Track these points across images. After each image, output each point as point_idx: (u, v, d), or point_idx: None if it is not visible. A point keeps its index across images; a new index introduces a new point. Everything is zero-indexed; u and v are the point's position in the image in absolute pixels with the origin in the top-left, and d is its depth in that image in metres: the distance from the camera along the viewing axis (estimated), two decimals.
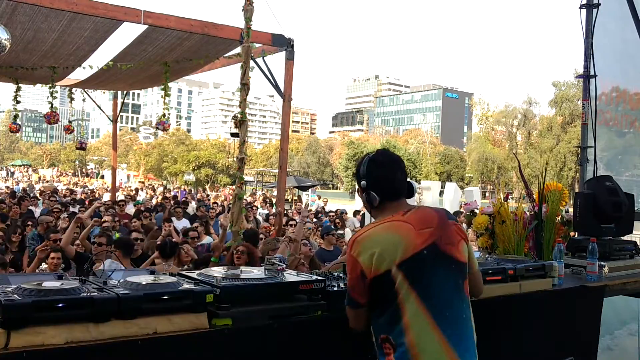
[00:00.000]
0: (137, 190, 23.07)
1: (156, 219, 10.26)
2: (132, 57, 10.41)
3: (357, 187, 2.34)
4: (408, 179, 2.32)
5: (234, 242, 5.92)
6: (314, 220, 12.00)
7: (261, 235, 7.11)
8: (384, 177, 2.22)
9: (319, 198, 24.36)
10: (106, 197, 18.83)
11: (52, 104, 12.40)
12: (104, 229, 7.23)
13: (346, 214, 13.78)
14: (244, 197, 7.15)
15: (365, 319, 2.20)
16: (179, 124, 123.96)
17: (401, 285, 2.05)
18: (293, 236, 5.99)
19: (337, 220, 11.64)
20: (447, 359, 2.03)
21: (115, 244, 5.76)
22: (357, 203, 16.63)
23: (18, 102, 12.61)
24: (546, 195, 3.96)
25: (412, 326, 2.03)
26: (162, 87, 11.79)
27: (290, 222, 9.17)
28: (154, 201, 17.81)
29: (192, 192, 27.72)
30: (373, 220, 2.25)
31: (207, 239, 7.65)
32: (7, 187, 22.85)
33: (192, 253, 6.07)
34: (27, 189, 22.36)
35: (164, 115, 12.14)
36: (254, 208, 13.48)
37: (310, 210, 10.09)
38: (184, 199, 18.38)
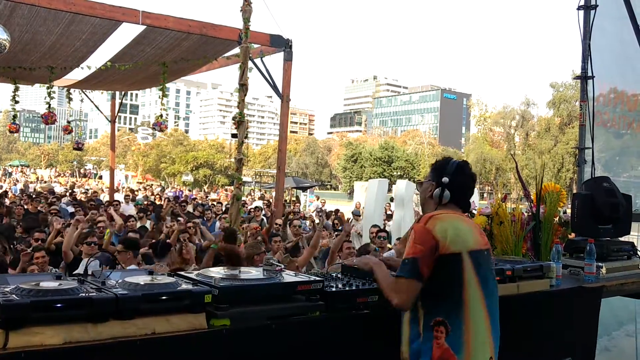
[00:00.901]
0: (132, 190, 23.02)
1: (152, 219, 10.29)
2: (131, 57, 10.41)
3: (424, 184, 2.50)
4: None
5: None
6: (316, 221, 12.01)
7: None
8: (464, 183, 2.44)
9: (317, 199, 24.34)
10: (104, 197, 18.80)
11: (49, 105, 12.38)
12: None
13: (344, 216, 13.78)
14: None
15: (416, 297, 2.24)
16: (177, 125, 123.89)
17: (468, 272, 2.20)
18: (313, 242, 6.05)
19: (336, 221, 11.64)
20: (488, 354, 2.22)
21: (123, 244, 5.71)
22: (355, 204, 16.61)
23: (16, 102, 12.60)
24: (544, 196, 3.97)
25: (471, 314, 2.18)
26: (160, 87, 11.79)
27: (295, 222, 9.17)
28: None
29: (189, 193, 27.54)
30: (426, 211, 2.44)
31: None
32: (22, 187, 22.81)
33: (192, 253, 6.05)
34: (24, 188, 22.33)
35: (161, 115, 12.14)
36: (258, 210, 13.37)
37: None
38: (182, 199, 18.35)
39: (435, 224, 2.25)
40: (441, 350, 2.14)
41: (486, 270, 2.31)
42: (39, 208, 10.86)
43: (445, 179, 2.39)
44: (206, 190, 36.24)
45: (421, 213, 2.52)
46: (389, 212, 13.94)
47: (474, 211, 4.25)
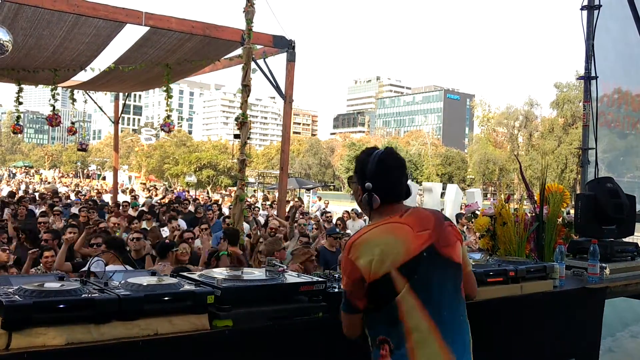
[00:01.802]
0: (132, 191, 23.05)
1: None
2: (134, 60, 10.43)
3: (353, 184, 2.25)
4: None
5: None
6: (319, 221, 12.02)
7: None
8: (392, 181, 2.15)
9: (320, 199, 24.35)
10: (107, 198, 18.87)
11: (54, 107, 12.42)
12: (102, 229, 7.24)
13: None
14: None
15: (361, 325, 2.15)
16: (181, 126, 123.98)
17: (401, 288, 2.01)
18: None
19: (338, 222, 11.64)
20: (444, 358, 2.01)
21: (107, 244, 5.70)
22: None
23: (20, 103, 12.63)
24: (547, 197, 3.96)
25: (412, 329, 2.01)
26: (164, 88, 11.81)
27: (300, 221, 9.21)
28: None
29: (192, 195, 27.55)
30: (370, 222, 2.20)
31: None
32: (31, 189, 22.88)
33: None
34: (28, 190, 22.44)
35: (168, 116, 12.16)
36: (256, 209, 13.46)
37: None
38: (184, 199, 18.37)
39: (356, 254, 2.04)
40: None
41: (430, 275, 2.05)
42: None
43: (368, 185, 2.12)
44: (210, 191, 36.27)
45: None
46: None
47: (477, 212, 4.25)
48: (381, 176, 2.13)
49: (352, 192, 2.32)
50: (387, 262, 2.01)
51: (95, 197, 18.22)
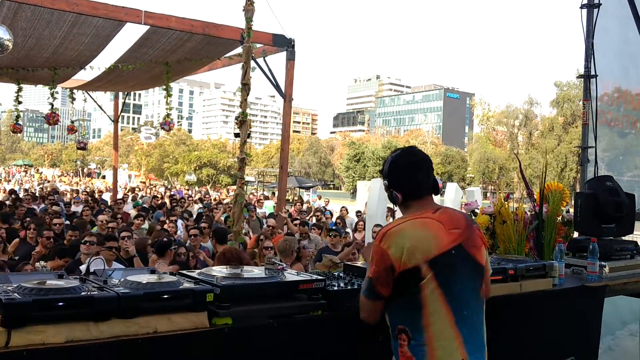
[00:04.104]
0: (132, 189, 23.05)
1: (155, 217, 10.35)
2: (134, 60, 10.43)
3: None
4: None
5: (235, 242, 5.94)
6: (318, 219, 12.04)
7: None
8: (404, 178, 2.28)
9: (320, 198, 24.34)
10: (106, 196, 18.86)
11: (52, 105, 12.41)
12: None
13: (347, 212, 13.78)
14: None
15: (381, 312, 2.22)
16: (180, 124, 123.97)
17: (428, 282, 2.09)
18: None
19: (338, 220, 11.63)
20: (460, 357, 2.09)
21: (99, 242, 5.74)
22: (358, 203, 16.59)
23: (20, 102, 12.62)
24: (547, 196, 3.96)
25: (432, 322, 2.08)
26: (164, 87, 11.81)
27: (294, 222, 9.22)
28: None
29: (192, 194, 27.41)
30: (401, 215, 2.30)
31: (208, 243, 7.62)
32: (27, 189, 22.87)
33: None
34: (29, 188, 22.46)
35: (168, 115, 12.17)
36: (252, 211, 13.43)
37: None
38: (182, 198, 18.37)
39: (390, 242, 2.12)
40: (405, 357, 2.11)
41: (453, 271, 2.12)
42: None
43: (385, 182, 2.32)
44: (208, 190, 36.26)
45: None
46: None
47: (477, 210, 4.25)
48: (394, 174, 2.30)
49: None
50: (417, 254, 2.09)
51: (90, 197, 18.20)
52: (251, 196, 20.75)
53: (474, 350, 2.13)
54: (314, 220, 12.21)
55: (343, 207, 14.84)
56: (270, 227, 8.50)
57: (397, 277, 2.10)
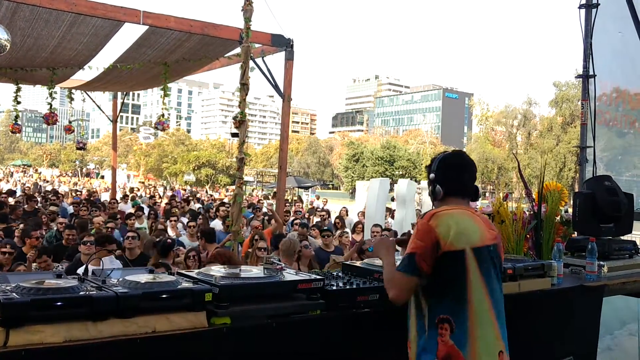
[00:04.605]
0: (132, 189, 23.03)
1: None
2: (132, 60, 10.41)
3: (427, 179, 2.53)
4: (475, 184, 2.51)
5: (234, 242, 5.94)
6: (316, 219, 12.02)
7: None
8: (450, 175, 2.40)
9: (318, 198, 24.33)
10: (105, 196, 18.83)
11: (50, 105, 12.39)
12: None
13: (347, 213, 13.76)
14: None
15: (412, 291, 2.25)
16: (179, 124, 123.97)
17: (473, 269, 2.19)
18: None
19: (337, 220, 11.62)
20: (498, 348, 2.20)
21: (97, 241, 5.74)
22: (357, 203, 16.60)
23: (18, 102, 12.60)
24: (545, 195, 3.96)
25: (476, 312, 2.17)
26: (162, 87, 11.79)
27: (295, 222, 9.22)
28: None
29: (193, 193, 27.35)
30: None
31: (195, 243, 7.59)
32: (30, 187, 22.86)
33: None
34: (32, 187, 22.47)
35: (162, 115, 12.15)
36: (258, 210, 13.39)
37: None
38: (183, 198, 18.35)
39: (438, 220, 2.23)
40: (446, 347, 2.14)
41: (490, 266, 2.27)
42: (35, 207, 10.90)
43: (432, 176, 2.43)
44: (208, 189, 36.24)
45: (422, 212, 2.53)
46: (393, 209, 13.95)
47: (475, 210, 4.25)
48: (442, 170, 2.41)
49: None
50: (464, 238, 2.21)
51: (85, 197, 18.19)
52: (252, 196, 20.76)
53: (506, 344, 2.25)
54: (314, 221, 12.18)
55: (344, 207, 14.82)
56: (254, 229, 8.46)
57: (440, 257, 2.17)
